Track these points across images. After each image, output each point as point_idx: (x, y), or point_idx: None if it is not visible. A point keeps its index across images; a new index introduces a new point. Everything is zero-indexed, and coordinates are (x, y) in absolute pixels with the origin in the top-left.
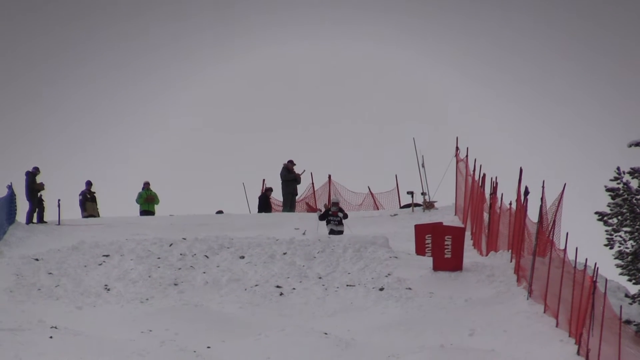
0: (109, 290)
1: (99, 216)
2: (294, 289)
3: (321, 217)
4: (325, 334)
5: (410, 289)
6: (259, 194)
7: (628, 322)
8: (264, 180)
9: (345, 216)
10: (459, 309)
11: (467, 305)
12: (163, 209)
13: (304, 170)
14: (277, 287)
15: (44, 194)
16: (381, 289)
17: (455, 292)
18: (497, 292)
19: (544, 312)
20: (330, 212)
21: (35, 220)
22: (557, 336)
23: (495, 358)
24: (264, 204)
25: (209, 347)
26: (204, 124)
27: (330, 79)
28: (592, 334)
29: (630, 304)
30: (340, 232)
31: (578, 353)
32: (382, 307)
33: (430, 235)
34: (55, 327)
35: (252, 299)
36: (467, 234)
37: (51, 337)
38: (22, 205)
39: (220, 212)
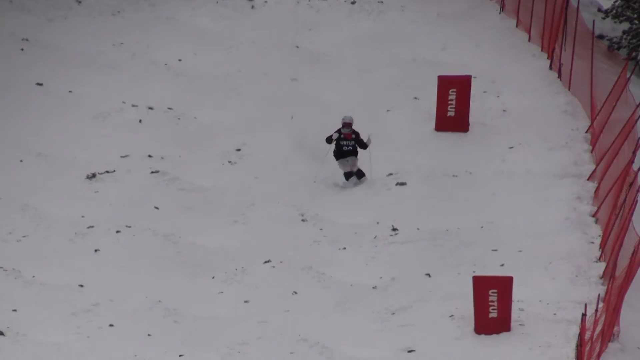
0: (80, 2)
1: None
2: (265, 1)
3: (328, 141)
4: (297, 47)
5: (382, 2)
6: None
7: (601, 37)
8: None
9: (365, 145)
10: (431, 23)
11: (439, 20)
12: None
13: None
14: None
15: None
16: (353, 2)
17: (427, 6)
18: (470, 5)
19: (516, 26)
20: (342, 135)
21: None
22: (529, 50)
23: (466, 72)
24: None
25: (180, 60)
26: None
27: None
28: (564, 49)
29: (603, 18)
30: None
31: (550, 67)
32: (354, 20)
33: None
34: (27, 40)
35: (224, 12)
36: None
37: (22, 50)
38: None
39: None
